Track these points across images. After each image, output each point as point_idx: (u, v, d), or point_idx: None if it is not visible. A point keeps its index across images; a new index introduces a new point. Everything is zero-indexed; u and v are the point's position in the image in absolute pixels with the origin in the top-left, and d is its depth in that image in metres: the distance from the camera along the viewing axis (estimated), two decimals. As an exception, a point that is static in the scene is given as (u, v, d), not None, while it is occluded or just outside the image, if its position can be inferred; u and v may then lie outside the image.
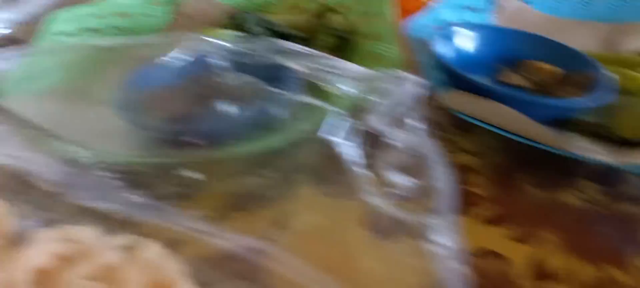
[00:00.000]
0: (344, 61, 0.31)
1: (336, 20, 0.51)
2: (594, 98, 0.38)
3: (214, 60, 0.31)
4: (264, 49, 0.31)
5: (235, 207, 0.34)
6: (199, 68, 0.33)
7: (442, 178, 0.30)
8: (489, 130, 0.37)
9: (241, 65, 0.32)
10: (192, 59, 0.33)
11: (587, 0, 0.53)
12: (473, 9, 0.53)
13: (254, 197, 0.35)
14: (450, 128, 0.42)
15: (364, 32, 0.50)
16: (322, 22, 0.50)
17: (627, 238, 0.33)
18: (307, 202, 0.35)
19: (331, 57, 0.32)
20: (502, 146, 0.40)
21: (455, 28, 0.45)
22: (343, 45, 0.49)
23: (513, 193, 0.36)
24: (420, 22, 0.48)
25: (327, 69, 0.32)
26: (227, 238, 0.34)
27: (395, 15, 0.48)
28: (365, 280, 0.29)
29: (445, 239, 0.27)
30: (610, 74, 0.40)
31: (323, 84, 0.34)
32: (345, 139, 0.30)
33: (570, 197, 0.36)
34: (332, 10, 0.54)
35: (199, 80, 0.33)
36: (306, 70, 0.31)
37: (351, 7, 0.53)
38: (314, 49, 0.48)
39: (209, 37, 0.46)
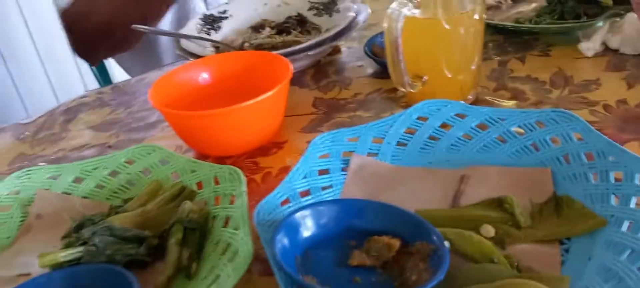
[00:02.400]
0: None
1: (189, 209, 0.50)
2: (429, 283, 0.39)
3: None
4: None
5: None
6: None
7: None
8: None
9: None
10: None
11: (425, 146, 0.56)
12: (323, 173, 0.54)
13: None
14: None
15: (218, 216, 0.50)
16: (178, 215, 0.49)
17: None
18: None
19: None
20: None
21: (298, 214, 0.45)
22: (195, 236, 0.48)
23: None
24: (271, 201, 0.49)
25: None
26: None
27: (245, 200, 0.48)
28: None
29: None
30: (446, 246, 0.41)
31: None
32: None
33: None
34: (187, 191, 0.54)
35: None
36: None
37: (205, 186, 0.54)
38: (166, 243, 0.47)
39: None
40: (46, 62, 1.97)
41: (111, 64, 1.32)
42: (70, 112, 0.82)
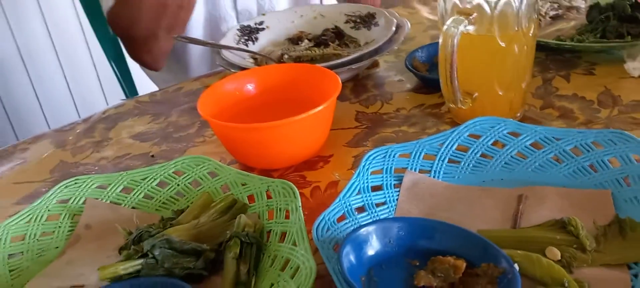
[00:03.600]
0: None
1: (245, 222, 0.49)
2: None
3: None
4: None
5: None
6: None
7: None
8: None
9: None
10: None
11: (478, 164, 0.56)
12: (377, 189, 0.54)
13: None
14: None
15: (273, 231, 0.50)
16: (234, 230, 0.49)
17: None
18: None
19: None
20: None
21: (363, 231, 0.45)
22: (251, 250, 0.48)
23: None
24: (327, 217, 0.48)
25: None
26: None
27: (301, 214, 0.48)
28: None
29: None
30: (516, 268, 0.41)
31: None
32: None
33: None
34: (239, 204, 0.53)
35: None
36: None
37: (258, 200, 0.53)
38: (222, 256, 0.47)
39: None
40: (67, 70, 1.99)
41: (135, 73, 1.33)
42: (110, 119, 0.82)
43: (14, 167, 0.72)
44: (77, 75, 2.03)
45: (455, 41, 0.56)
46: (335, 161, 0.64)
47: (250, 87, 0.69)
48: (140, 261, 0.45)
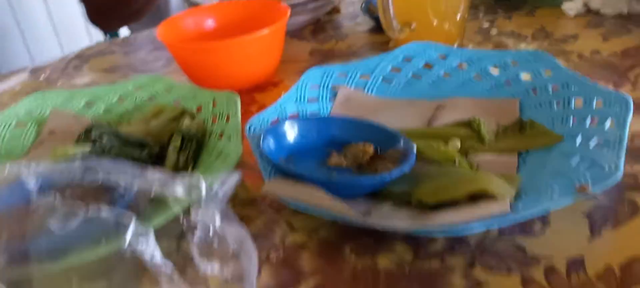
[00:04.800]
0: (165, 171, 0.35)
1: (188, 124, 0.55)
2: (390, 174, 0.43)
3: (34, 185, 0.34)
4: (74, 174, 0.34)
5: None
6: (20, 195, 0.36)
7: (252, 260, 0.34)
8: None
9: (64, 184, 0.35)
10: (12, 186, 0.36)
11: (408, 83, 0.61)
12: (313, 100, 0.59)
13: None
14: (286, 211, 0.47)
15: (214, 131, 0.55)
16: (177, 127, 0.55)
17: (428, 291, 0.38)
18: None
19: (154, 169, 0.36)
20: (329, 223, 0.45)
21: (286, 124, 0.50)
22: (192, 145, 0.53)
23: (336, 264, 0.41)
24: (261, 118, 0.54)
25: (150, 180, 0.36)
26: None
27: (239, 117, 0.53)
28: None
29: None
30: (414, 148, 0.46)
31: (154, 185, 0.37)
32: (156, 254, 0.34)
33: (384, 261, 0.40)
34: (187, 113, 0.59)
35: (21, 207, 0.36)
36: (131, 184, 0.35)
37: (204, 109, 0.59)
38: (165, 152, 0.53)
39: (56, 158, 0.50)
40: (53, 11, 1.99)
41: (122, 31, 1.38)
42: (83, 57, 0.87)
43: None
44: (63, 16, 2.00)
45: (388, -31, 0.61)
46: (284, 86, 0.69)
47: (210, 22, 0.75)
48: (90, 146, 0.51)
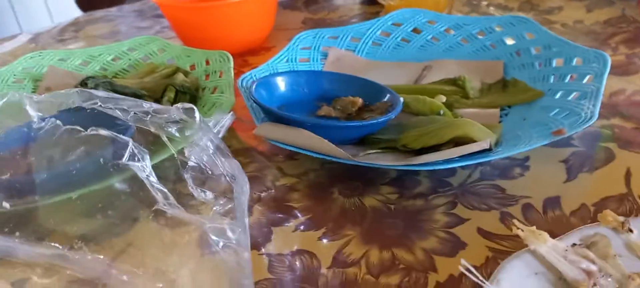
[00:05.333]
0: (149, 103, 0.36)
1: (182, 78, 0.56)
2: (377, 119, 0.45)
3: (34, 120, 0.36)
4: (73, 99, 0.35)
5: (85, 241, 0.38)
6: (20, 131, 0.37)
7: (244, 190, 0.36)
8: (307, 156, 0.44)
9: (70, 116, 0.36)
10: (12, 126, 0.37)
11: (397, 46, 0.63)
12: (304, 61, 0.61)
13: (101, 233, 0.39)
14: (277, 158, 0.48)
15: (208, 86, 0.57)
16: (171, 82, 0.56)
17: (411, 227, 0.39)
18: (147, 234, 0.40)
19: (154, 103, 0.37)
20: (318, 167, 0.46)
21: (278, 77, 0.52)
22: (186, 98, 0.55)
23: (325, 203, 0.43)
24: (253, 74, 0.55)
25: (151, 113, 0.37)
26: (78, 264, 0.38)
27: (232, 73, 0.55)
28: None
29: (241, 246, 0.33)
30: (400, 99, 0.48)
31: (148, 127, 0.39)
32: (151, 174, 0.35)
33: (371, 201, 0.42)
34: (181, 71, 0.60)
35: (20, 142, 0.37)
36: (132, 116, 0.36)
37: (198, 67, 0.60)
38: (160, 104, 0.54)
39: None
40: None
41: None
42: (80, 24, 0.88)
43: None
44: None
45: None
46: (276, 51, 0.71)
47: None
48: (86, 96, 0.52)
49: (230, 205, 0.37)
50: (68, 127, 0.34)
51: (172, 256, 0.33)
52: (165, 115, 0.34)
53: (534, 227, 0.30)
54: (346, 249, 0.38)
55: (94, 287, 0.37)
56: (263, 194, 0.44)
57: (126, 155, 0.32)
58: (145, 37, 0.66)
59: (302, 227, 0.41)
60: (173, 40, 0.73)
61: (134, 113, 0.34)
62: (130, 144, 0.32)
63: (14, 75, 0.63)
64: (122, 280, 0.34)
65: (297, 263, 0.38)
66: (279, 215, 0.42)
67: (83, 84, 0.54)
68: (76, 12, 1.96)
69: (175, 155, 0.38)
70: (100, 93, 0.35)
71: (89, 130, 0.33)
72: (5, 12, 1.97)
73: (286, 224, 0.41)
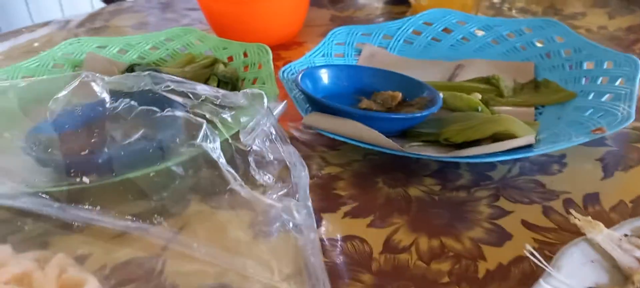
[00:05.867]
0: (217, 89, 0.38)
1: (222, 69, 0.58)
2: (422, 113, 0.47)
3: (106, 100, 0.37)
4: (145, 82, 0.37)
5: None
6: (93, 108, 0.39)
7: (302, 175, 0.37)
8: (351, 146, 0.45)
9: (128, 97, 0.38)
10: (87, 102, 0.39)
11: (428, 45, 0.65)
12: (338, 56, 0.62)
13: (153, 213, 0.40)
14: (320, 147, 0.50)
15: (247, 78, 0.58)
16: (212, 72, 0.58)
17: (457, 217, 0.41)
18: (198, 216, 0.42)
19: (212, 87, 0.39)
20: (361, 158, 0.48)
21: (322, 69, 0.54)
22: (227, 88, 0.57)
23: (370, 192, 0.44)
24: (293, 67, 0.57)
25: (209, 97, 0.39)
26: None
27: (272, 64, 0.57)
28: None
29: (305, 226, 0.35)
30: (440, 95, 0.50)
31: (204, 112, 0.41)
32: (222, 156, 0.37)
33: (415, 191, 0.44)
34: (220, 62, 0.62)
35: (94, 119, 0.39)
36: (189, 100, 0.38)
37: (236, 59, 0.62)
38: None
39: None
40: None
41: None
42: (111, 13, 0.90)
43: (24, 42, 0.80)
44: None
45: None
46: (307, 45, 0.73)
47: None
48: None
49: (286, 190, 0.38)
50: (144, 107, 0.35)
51: (241, 233, 0.35)
52: (234, 100, 0.36)
53: (590, 217, 0.32)
54: (395, 236, 0.40)
55: (153, 265, 0.39)
56: (310, 181, 0.46)
57: (200, 135, 0.34)
58: (182, 28, 0.68)
59: (350, 214, 0.42)
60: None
61: (204, 97, 0.36)
62: (204, 125, 0.34)
63: (54, 60, 0.64)
64: (187, 253, 0.36)
65: (349, 247, 0.39)
66: (327, 202, 0.44)
67: (130, 69, 0.56)
68: (86, 3, 1.97)
69: (230, 140, 0.39)
70: (171, 77, 0.37)
71: (165, 111, 0.35)
72: (16, 1, 1.96)
73: (334, 211, 0.43)
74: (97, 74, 0.38)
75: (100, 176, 0.37)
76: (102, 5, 1.30)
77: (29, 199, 0.33)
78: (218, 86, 0.56)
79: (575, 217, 0.32)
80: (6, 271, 0.33)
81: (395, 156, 0.44)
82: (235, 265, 0.34)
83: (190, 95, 0.36)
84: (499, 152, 0.42)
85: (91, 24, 0.86)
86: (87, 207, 0.36)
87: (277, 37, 0.72)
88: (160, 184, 0.40)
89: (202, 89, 0.36)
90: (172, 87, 0.36)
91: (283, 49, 0.72)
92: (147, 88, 0.36)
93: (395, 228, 0.41)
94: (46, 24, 0.86)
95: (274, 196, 0.36)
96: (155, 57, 0.66)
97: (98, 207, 0.34)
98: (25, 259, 0.35)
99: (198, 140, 0.34)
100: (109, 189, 0.40)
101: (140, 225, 0.37)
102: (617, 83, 0.50)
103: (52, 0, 2.04)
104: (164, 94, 0.36)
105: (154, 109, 0.36)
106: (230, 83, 0.57)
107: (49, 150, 0.42)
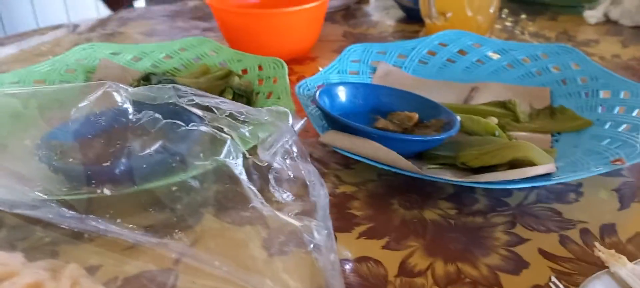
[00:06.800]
0: (241, 105, 0.38)
1: (237, 81, 0.58)
2: (440, 135, 0.47)
3: (125, 109, 0.37)
4: (169, 95, 0.37)
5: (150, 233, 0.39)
6: (112, 118, 0.38)
7: (322, 194, 0.37)
8: (365, 165, 0.45)
9: (148, 109, 0.37)
10: (105, 110, 0.38)
11: (443, 66, 0.65)
12: (353, 73, 0.62)
13: (166, 226, 0.40)
14: (334, 165, 0.50)
15: (262, 91, 0.58)
16: (226, 84, 0.58)
17: (473, 243, 0.41)
18: (212, 231, 0.41)
19: (235, 103, 0.39)
20: (376, 178, 0.48)
21: (339, 87, 0.54)
22: (242, 101, 0.56)
23: (386, 213, 0.44)
24: (309, 83, 0.57)
25: (234, 114, 0.39)
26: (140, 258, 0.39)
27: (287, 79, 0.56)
28: None
29: (325, 246, 0.34)
30: (457, 118, 0.49)
31: (222, 125, 0.40)
32: (243, 172, 0.37)
33: (431, 214, 0.44)
34: (234, 74, 0.61)
35: (113, 128, 0.39)
36: (207, 112, 0.38)
37: (250, 72, 0.61)
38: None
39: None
40: None
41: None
42: (122, 20, 0.90)
43: (33, 45, 0.80)
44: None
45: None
46: (320, 61, 0.73)
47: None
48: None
49: (304, 208, 0.38)
50: (168, 121, 0.35)
51: (257, 250, 0.35)
52: (258, 117, 0.36)
53: (614, 251, 0.31)
54: (411, 260, 0.40)
55: (165, 279, 0.38)
56: (325, 200, 0.46)
57: (224, 151, 0.33)
58: (196, 38, 0.68)
59: (365, 235, 0.42)
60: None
61: (229, 113, 0.36)
62: (229, 141, 0.33)
63: (67, 65, 0.64)
64: (201, 268, 0.36)
65: (364, 269, 0.39)
66: (341, 222, 0.43)
67: (146, 78, 0.55)
68: (91, 6, 1.97)
69: (248, 156, 0.39)
70: (195, 91, 0.37)
71: (190, 126, 0.34)
72: (22, 5, 1.97)
73: (349, 231, 0.42)
74: (121, 85, 0.38)
75: (121, 187, 0.36)
76: (107, 9, 1.31)
77: (46, 209, 0.33)
78: (233, 98, 0.56)
79: (599, 250, 0.32)
80: (18, 280, 0.33)
81: (411, 177, 0.44)
82: (251, 282, 0.34)
83: (214, 110, 0.36)
84: (522, 178, 0.42)
85: (102, 29, 0.86)
86: (106, 216, 0.35)
87: (291, 52, 0.72)
88: (180, 199, 0.40)
89: (225, 104, 0.36)
90: (196, 101, 0.36)
91: (296, 63, 0.72)
92: (171, 100, 0.36)
93: (410, 251, 0.40)
94: (57, 27, 0.86)
95: (291, 214, 0.36)
96: (168, 66, 0.66)
97: (118, 219, 0.34)
98: (37, 268, 0.35)
99: (222, 155, 0.34)
100: (127, 201, 0.40)
101: (150, 239, 0.37)
102: (635, 113, 0.50)
103: (58, 3, 2.06)
104: (185, 106, 0.36)
105: (178, 122, 0.35)
106: (245, 96, 0.57)
107: (64, 157, 0.42)
